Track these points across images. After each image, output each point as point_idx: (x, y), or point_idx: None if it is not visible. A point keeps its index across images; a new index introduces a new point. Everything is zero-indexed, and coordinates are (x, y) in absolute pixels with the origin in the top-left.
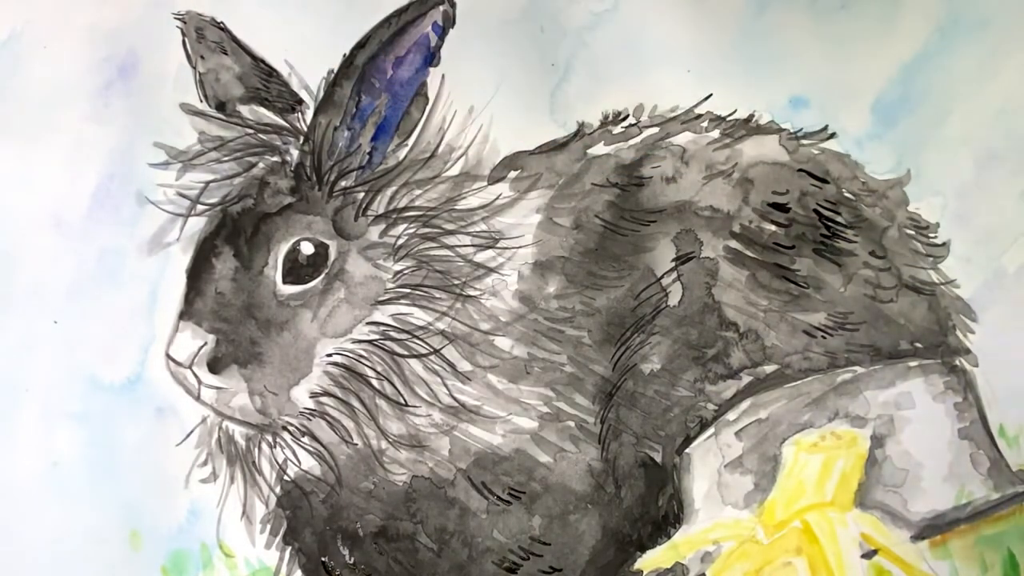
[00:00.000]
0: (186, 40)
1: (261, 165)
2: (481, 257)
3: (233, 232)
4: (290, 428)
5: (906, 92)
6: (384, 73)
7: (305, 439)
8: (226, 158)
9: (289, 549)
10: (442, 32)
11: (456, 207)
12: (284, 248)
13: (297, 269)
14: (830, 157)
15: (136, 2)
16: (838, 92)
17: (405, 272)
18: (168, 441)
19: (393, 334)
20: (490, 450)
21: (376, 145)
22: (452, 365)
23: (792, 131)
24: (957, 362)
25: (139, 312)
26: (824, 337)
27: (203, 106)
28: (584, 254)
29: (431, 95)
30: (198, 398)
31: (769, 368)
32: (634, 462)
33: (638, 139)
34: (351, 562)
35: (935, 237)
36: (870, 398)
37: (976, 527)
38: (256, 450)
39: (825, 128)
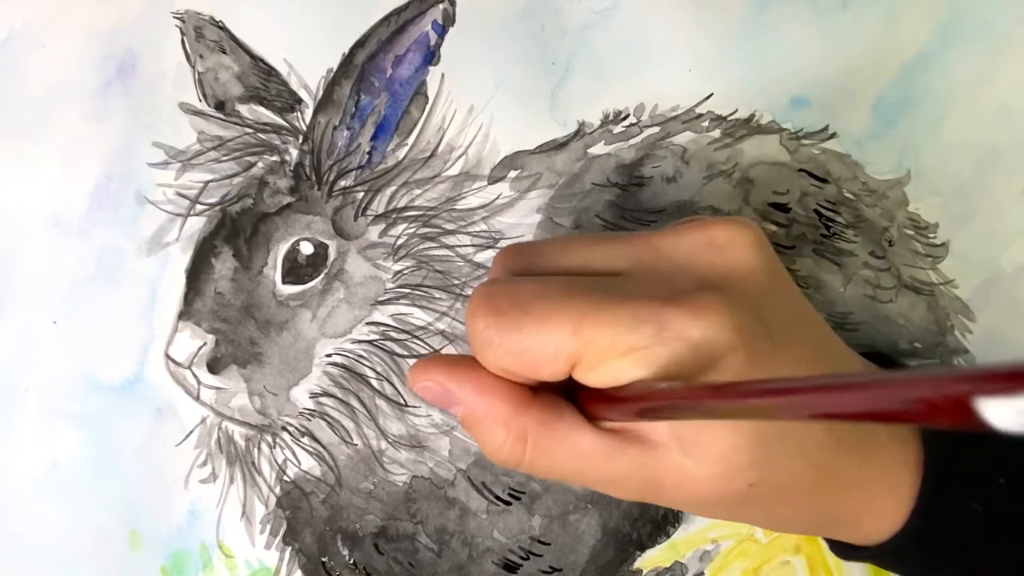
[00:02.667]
0: (185, 39)
1: (260, 165)
2: (481, 257)
3: (232, 232)
4: (290, 428)
5: (906, 92)
6: (383, 72)
7: (305, 439)
8: (225, 158)
9: (289, 549)
10: (442, 30)
11: (456, 207)
12: (283, 248)
13: (296, 269)
14: (830, 157)
15: (135, 1)
16: (839, 92)
17: (405, 272)
18: (168, 441)
19: (393, 334)
20: None
21: (376, 144)
22: None
23: (793, 131)
24: (955, 362)
25: (138, 312)
26: None
27: (202, 105)
28: None
29: (431, 94)
30: (197, 398)
31: None
32: None
33: (639, 138)
34: (351, 562)
35: (934, 237)
36: None
37: None
38: (256, 450)
39: (826, 128)
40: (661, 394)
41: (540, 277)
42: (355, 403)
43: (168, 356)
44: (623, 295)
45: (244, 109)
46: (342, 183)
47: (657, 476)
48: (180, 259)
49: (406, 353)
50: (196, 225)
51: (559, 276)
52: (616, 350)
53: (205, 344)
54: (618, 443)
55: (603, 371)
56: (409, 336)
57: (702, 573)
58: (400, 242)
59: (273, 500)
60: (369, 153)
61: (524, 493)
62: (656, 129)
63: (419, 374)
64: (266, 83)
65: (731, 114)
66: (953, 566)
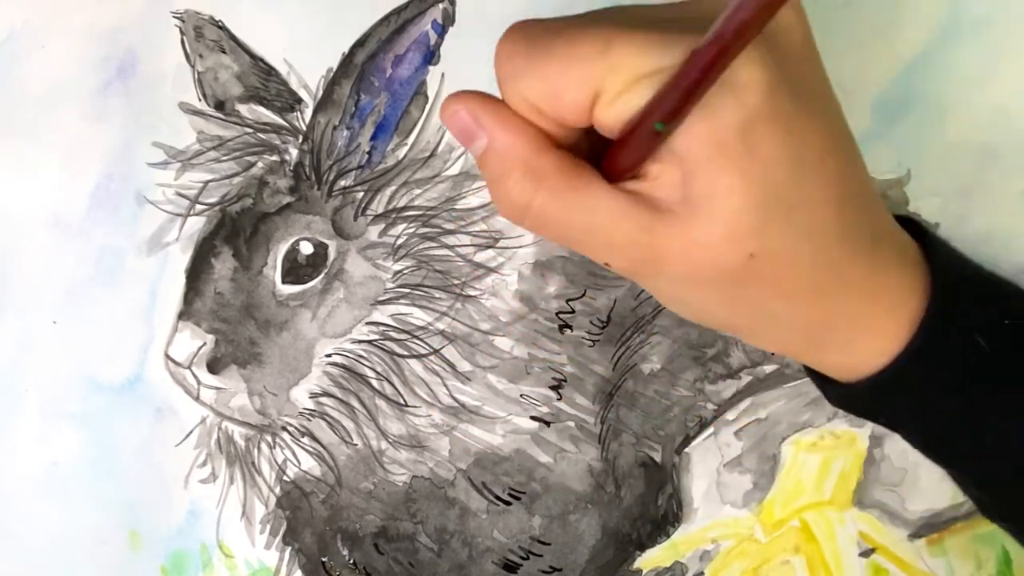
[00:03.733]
0: (185, 39)
1: (260, 164)
2: (481, 257)
3: (232, 232)
4: (289, 428)
5: (906, 92)
6: (383, 72)
7: (305, 439)
8: (225, 157)
9: (289, 549)
10: (442, 30)
11: (456, 207)
12: (283, 248)
13: (296, 269)
14: None
15: (135, 1)
16: (838, 92)
17: (405, 272)
18: (168, 441)
19: (393, 334)
20: (490, 450)
21: (375, 144)
22: (452, 365)
23: None
24: None
25: (138, 312)
26: None
27: (202, 105)
28: None
29: (431, 94)
30: (197, 398)
31: (769, 368)
32: (634, 462)
33: None
34: (351, 562)
35: None
36: None
37: (971, 524)
38: (256, 450)
39: None
40: (668, 88)
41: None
42: (355, 403)
43: (168, 356)
44: (657, 24)
45: (244, 109)
46: (342, 183)
47: (662, 244)
48: (180, 259)
49: (406, 353)
50: (196, 225)
51: None
52: (641, 70)
53: (205, 344)
54: (632, 204)
55: (624, 100)
56: (409, 336)
57: (702, 573)
58: (400, 242)
59: (273, 500)
60: (369, 153)
61: (524, 493)
62: None
63: (452, 101)
64: (266, 83)
65: None
66: (947, 400)
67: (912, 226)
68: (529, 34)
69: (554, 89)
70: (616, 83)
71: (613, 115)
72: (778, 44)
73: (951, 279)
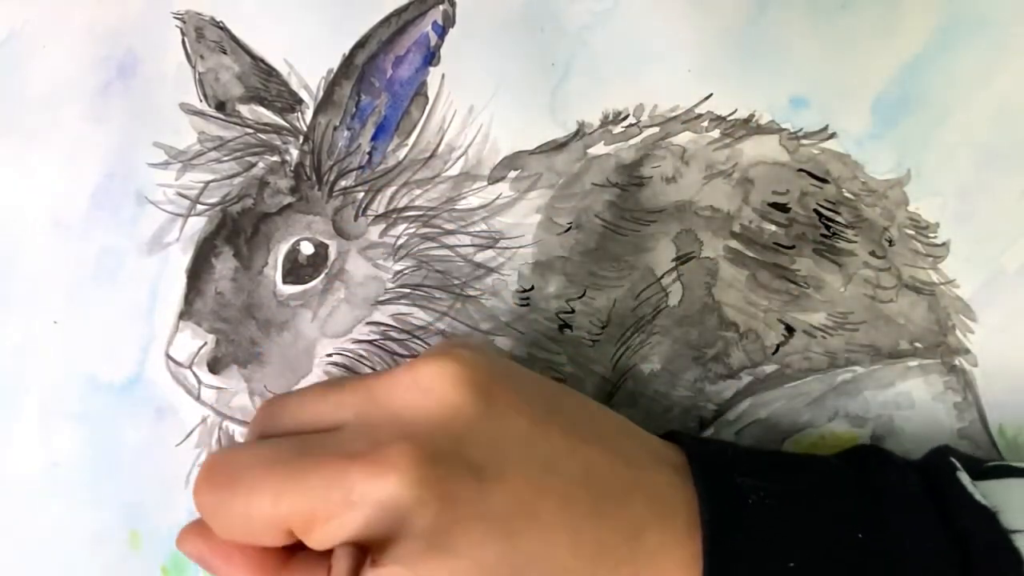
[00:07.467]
0: (185, 39)
1: (261, 165)
2: (481, 257)
3: (233, 232)
4: None
5: (906, 92)
6: (384, 72)
7: None
8: (226, 158)
9: None
10: (442, 31)
11: (456, 207)
12: (284, 248)
13: (297, 269)
14: (830, 157)
15: (135, 1)
16: (838, 92)
17: (405, 272)
18: (168, 441)
19: (393, 334)
20: None
21: (376, 145)
22: None
23: (792, 131)
24: (956, 362)
25: (139, 312)
26: (824, 337)
27: (202, 106)
28: (584, 254)
29: (431, 95)
30: (198, 398)
31: (769, 368)
32: None
33: (638, 139)
34: None
35: (935, 237)
36: (869, 398)
37: None
38: None
39: (825, 128)
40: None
41: (259, 443)
42: None
43: (168, 356)
44: (322, 457)
45: (244, 109)
46: (342, 183)
47: None
48: (180, 259)
49: (406, 353)
50: (196, 225)
51: (278, 440)
52: (317, 518)
53: (206, 344)
54: None
55: (316, 537)
56: (409, 336)
57: None
58: (400, 242)
59: None
60: (369, 153)
61: None
62: (656, 129)
63: (181, 541)
64: (266, 83)
65: (731, 114)
66: None
67: (677, 437)
68: (213, 480)
69: (249, 532)
70: (300, 525)
71: (314, 544)
72: (439, 429)
73: (726, 541)
